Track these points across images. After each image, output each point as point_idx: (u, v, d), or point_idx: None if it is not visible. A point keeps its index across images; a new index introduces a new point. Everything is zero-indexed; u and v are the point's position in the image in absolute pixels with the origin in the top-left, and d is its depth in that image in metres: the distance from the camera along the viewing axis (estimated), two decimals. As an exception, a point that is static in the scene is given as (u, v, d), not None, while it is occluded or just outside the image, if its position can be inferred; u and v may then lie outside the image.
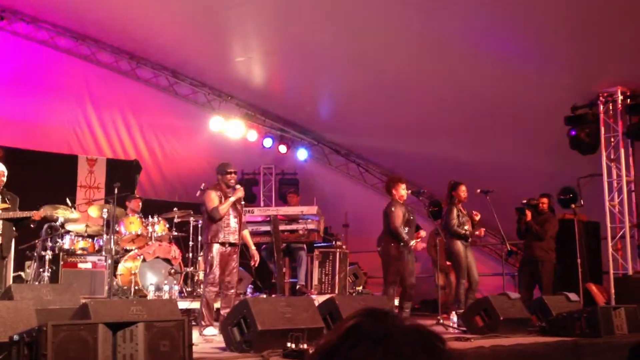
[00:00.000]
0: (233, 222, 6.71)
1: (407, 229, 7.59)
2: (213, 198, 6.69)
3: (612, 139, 9.37)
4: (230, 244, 6.70)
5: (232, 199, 6.70)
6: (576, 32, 8.35)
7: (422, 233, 7.99)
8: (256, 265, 7.27)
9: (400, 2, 8.58)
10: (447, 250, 8.37)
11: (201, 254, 8.39)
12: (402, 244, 7.51)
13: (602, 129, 9.29)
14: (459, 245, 8.09)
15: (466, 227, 8.15)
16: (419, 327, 1.28)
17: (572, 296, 7.59)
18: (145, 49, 11.79)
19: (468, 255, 8.17)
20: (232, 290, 6.77)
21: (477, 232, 8.31)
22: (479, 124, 10.60)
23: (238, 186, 6.83)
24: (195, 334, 6.24)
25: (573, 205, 9.20)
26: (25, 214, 7.18)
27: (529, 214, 8.78)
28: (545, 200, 8.90)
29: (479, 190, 8.48)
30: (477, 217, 8.28)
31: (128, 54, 11.96)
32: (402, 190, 7.71)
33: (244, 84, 12.15)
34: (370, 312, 1.29)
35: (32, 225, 7.39)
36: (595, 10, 7.93)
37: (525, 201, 8.89)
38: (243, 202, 7.06)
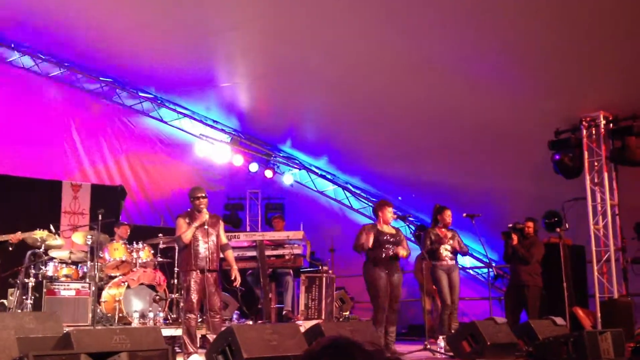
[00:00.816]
0: (202, 247, 6.66)
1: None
2: (180, 225, 6.73)
3: (596, 163, 9.45)
4: (203, 270, 6.61)
5: (195, 224, 6.66)
6: (559, 57, 8.44)
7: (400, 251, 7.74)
8: (237, 284, 7.15)
9: (385, 26, 8.64)
10: (432, 274, 8.34)
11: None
12: (376, 262, 7.42)
13: (586, 153, 9.38)
14: (438, 268, 8.07)
15: (445, 248, 8.10)
16: (382, 356, 1.28)
17: (559, 320, 7.60)
18: (129, 74, 11.81)
19: (453, 277, 8.11)
20: (218, 317, 6.69)
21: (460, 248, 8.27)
22: (464, 149, 10.67)
23: (204, 210, 6.77)
24: (180, 361, 6.18)
25: (558, 229, 9.22)
26: (2, 237, 7.10)
27: (515, 238, 8.78)
28: (531, 224, 8.91)
29: (464, 215, 8.49)
30: (450, 241, 8.20)
31: (112, 79, 11.96)
32: (388, 214, 7.69)
33: (229, 109, 12.18)
34: (335, 344, 1.29)
35: (10, 249, 7.30)
36: (577, 35, 8.04)
37: (511, 225, 8.89)
38: (205, 226, 6.78)
